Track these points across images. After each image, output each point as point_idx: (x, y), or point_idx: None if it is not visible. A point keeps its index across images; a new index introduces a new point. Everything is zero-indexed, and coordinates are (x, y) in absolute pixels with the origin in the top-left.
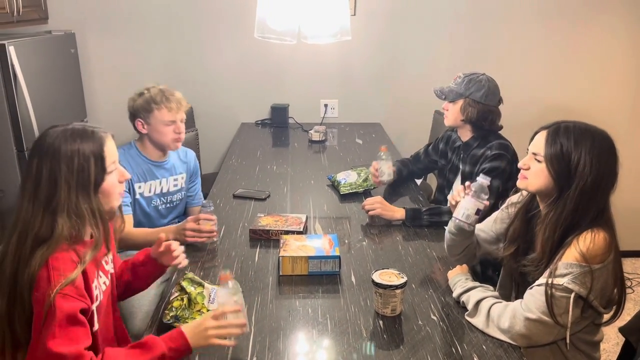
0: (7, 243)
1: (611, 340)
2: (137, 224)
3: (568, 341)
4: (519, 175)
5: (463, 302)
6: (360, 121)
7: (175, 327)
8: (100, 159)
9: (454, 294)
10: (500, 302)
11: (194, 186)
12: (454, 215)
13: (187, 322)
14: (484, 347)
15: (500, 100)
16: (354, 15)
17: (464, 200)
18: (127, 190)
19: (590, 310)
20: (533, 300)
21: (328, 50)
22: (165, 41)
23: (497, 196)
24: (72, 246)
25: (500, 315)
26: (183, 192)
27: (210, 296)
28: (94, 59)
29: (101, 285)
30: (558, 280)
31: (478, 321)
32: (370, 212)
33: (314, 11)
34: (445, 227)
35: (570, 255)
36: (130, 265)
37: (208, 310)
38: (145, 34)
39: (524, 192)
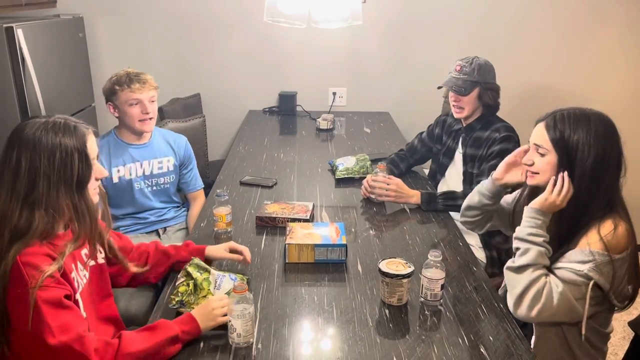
0: None
1: (617, 334)
2: (122, 206)
3: (584, 331)
4: (527, 174)
5: (520, 241)
6: (368, 110)
7: (181, 312)
8: (84, 155)
9: (527, 230)
10: (541, 281)
11: (188, 172)
12: (420, 299)
13: (192, 308)
14: (490, 337)
15: None
16: (365, 2)
17: (425, 282)
18: None
19: (605, 302)
20: (556, 279)
21: (337, 38)
22: (174, 27)
23: None
24: (47, 241)
25: (535, 298)
26: (172, 176)
27: (216, 282)
28: (102, 44)
29: (82, 278)
30: (579, 267)
31: (512, 289)
32: (380, 199)
33: None
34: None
35: (593, 243)
36: (165, 255)
37: (213, 296)
38: (153, 19)
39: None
